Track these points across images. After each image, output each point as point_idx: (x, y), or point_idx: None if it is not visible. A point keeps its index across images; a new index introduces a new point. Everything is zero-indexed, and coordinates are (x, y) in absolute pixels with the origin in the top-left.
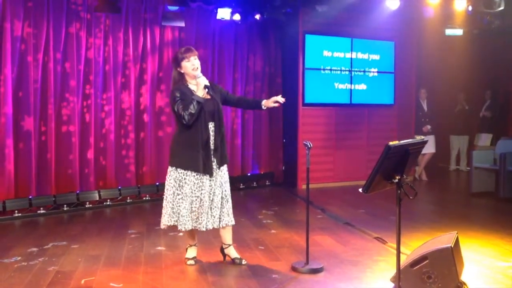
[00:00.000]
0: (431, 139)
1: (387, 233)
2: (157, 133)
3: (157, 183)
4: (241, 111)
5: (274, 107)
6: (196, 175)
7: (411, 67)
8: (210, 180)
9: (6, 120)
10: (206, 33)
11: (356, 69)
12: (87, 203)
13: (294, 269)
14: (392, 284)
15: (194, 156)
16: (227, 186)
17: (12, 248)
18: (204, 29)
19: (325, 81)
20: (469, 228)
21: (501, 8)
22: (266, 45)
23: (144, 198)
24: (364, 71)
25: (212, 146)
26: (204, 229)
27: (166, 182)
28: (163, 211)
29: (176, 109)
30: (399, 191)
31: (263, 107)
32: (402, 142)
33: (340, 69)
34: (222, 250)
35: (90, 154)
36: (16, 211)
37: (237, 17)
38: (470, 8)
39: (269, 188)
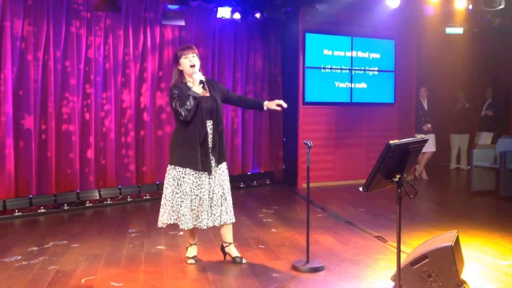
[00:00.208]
0: (431, 138)
1: (388, 231)
2: (157, 132)
3: (157, 182)
4: (241, 110)
5: (274, 109)
6: (195, 173)
7: (411, 65)
8: (209, 179)
9: (7, 119)
10: (206, 32)
11: (356, 68)
12: (88, 202)
13: (294, 268)
14: (393, 283)
15: (191, 154)
16: (227, 184)
17: (13, 247)
18: (204, 28)
19: (325, 80)
20: (470, 227)
21: (502, 6)
22: (266, 44)
23: (144, 197)
24: (365, 70)
25: (210, 144)
26: (205, 228)
27: (165, 181)
28: (162, 209)
29: (174, 106)
30: (399, 190)
31: (264, 108)
32: (402, 140)
33: (340, 67)
34: (222, 248)
35: (90, 153)
36: (16, 210)
37: (237, 16)
38: (470, 6)
39: (270, 187)
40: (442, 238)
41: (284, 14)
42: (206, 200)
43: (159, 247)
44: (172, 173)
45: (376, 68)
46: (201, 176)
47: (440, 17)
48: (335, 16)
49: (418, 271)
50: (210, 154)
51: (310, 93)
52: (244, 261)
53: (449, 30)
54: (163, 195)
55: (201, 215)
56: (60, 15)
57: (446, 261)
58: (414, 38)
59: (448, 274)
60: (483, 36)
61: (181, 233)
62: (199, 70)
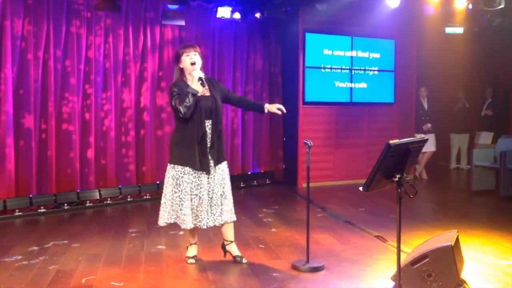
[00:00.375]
0: (431, 138)
1: (388, 231)
2: (157, 132)
3: (158, 182)
4: (241, 110)
5: (274, 113)
6: (194, 173)
7: (411, 65)
8: (208, 178)
9: (7, 118)
10: (206, 32)
11: (356, 68)
12: (88, 202)
13: (294, 267)
14: (393, 283)
15: (190, 153)
16: (227, 183)
17: (13, 247)
18: (204, 27)
19: (325, 79)
20: (470, 227)
21: (502, 6)
22: (266, 44)
23: (144, 197)
24: (365, 70)
25: (208, 144)
26: (205, 227)
27: (165, 180)
28: (162, 208)
29: (173, 104)
30: (399, 190)
31: (265, 110)
32: (402, 140)
33: (340, 67)
34: (223, 246)
35: (91, 153)
36: (16, 210)
37: (237, 15)
38: (470, 6)
39: (270, 186)
40: (442, 237)
41: (284, 14)
42: (205, 199)
43: (159, 246)
44: (172, 172)
45: (376, 68)
46: (200, 176)
47: (440, 17)
48: (335, 15)
49: (418, 271)
50: (209, 154)
51: (310, 93)
52: (244, 260)
53: (449, 30)
54: (163, 194)
55: (201, 215)
56: (60, 14)
57: (446, 261)
58: (414, 37)
59: (448, 274)
60: (483, 36)
61: (181, 232)
62: (201, 69)
